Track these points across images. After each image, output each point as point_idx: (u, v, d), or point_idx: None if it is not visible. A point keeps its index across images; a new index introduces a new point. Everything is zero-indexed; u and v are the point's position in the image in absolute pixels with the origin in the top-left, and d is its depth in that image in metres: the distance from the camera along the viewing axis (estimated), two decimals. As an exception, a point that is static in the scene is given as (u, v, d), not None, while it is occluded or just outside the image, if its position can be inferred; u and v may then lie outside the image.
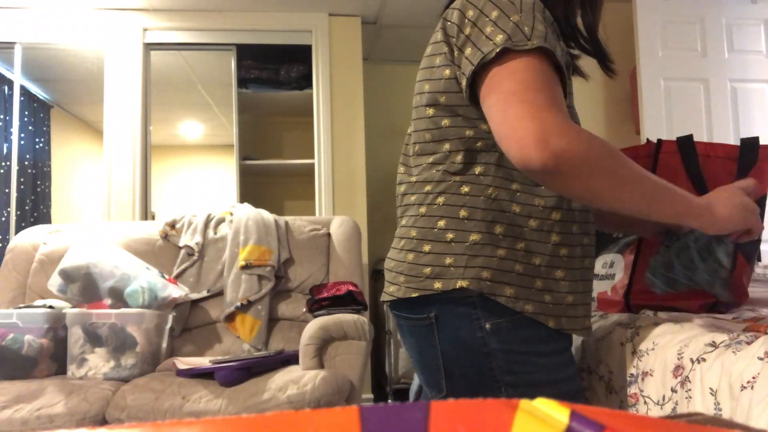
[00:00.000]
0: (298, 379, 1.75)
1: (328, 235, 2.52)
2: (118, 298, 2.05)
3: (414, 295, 0.88)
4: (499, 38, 0.78)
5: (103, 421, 1.70)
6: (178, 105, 3.62)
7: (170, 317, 2.11)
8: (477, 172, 0.88)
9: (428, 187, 0.90)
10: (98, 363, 1.89)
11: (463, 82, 0.83)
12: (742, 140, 1.10)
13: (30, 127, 3.15)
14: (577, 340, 1.15)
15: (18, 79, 3.08)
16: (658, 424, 0.23)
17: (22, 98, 3.09)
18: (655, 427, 0.23)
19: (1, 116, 3.07)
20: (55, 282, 2.11)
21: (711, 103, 3.06)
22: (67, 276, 2.09)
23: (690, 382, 0.83)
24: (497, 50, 0.77)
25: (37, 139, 3.20)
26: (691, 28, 3.08)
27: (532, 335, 0.86)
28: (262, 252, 2.35)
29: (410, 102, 3.93)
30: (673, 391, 0.87)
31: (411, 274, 0.89)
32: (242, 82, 3.28)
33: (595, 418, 0.22)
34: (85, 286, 2.08)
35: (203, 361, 1.99)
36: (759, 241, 1.15)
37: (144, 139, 3.08)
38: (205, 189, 3.68)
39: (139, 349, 1.92)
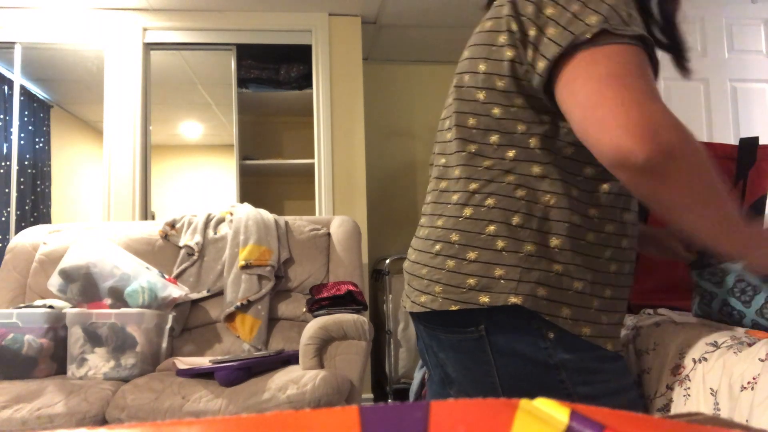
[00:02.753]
0: (298, 379, 1.75)
1: (328, 234, 2.52)
2: (118, 298, 2.05)
3: (454, 308, 0.77)
4: (594, 19, 0.69)
5: (103, 421, 1.70)
6: (178, 105, 3.62)
7: (170, 317, 2.11)
8: (534, 174, 0.77)
9: (474, 185, 0.80)
10: (98, 363, 1.89)
11: (541, 66, 0.72)
12: (741, 140, 1.10)
13: (30, 127, 3.15)
14: None
15: (18, 79, 3.08)
16: (658, 423, 0.23)
17: (22, 98, 3.09)
18: (655, 427, 0.23)
19: (1, 116, 3.07)
20: (55, 282, 2.11)
21: (711, 102, 3.06)
22: (67, 276, 2.09)
23: (690, 380, 0.83)
24: (594, 31, 0.68)
25: (37, 139, 3.20)
26: (691, 28, 3.08)
27: (588, 349, 0.78)
28: (262, 252, 2.35)
29: (411, 101, 3.93)
30: (669, 388, 0.87)
31: (451, 283, 0.78)
32: (242, 82, 3.28)
33: (595, 418, 0.22)
34: (85, 286, 2.08)
35: (203, 361, 1.99)
36: None
37: (144, 139, 3.08)
38: (205, 189, 3.68)
39: (139, 349, 1.92)
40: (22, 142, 3.08)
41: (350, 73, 3.22)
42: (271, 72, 3.31)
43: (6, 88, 3.10)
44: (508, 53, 0.76)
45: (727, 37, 3.11)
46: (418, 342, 0.97)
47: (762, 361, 0.73)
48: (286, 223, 2.51)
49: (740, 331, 0.86)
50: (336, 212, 3.12)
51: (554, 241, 0.76)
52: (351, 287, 2.17)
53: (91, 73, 3.15)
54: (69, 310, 1.95)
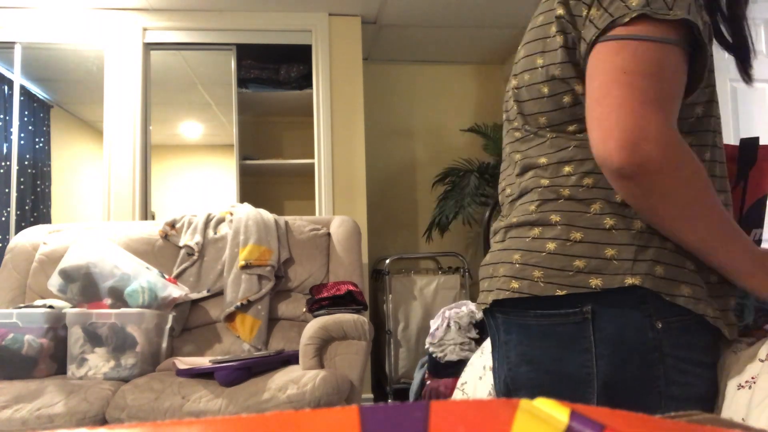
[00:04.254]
0: (298, 379, 1.75)
1: (328, 234, 2.52)
2: (118, 297, 2.05)
3: (561, 292, 0.71)
4: (635, 2, 0.66)
5: (103, 421, 1.70)
6: (178, 105, 3.62)
7: (170, 317, 2.11)
8: None
9: (568, 168, 0.75)
10: (98, 363, 1.89)
11: (582, 48, 0.71)
12: (742, 140, 1.10)
13: (30, 127, 3.15)
14: None
15: (18, 79, 3.08)
16: (658, 423, 0.23)
17: (22, 98, 3.09)
18: (655, 427, 0.23)
19: (1, 116, 3.07)
20: (55, 282, 2.11)
21: None
22: (67, 276, 2.09)
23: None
24: (633, 15, 0.66)
25: (37, 139, 3.20)
26: (691, 28, 3.08)
27: (699, 342, 0.73)
28: (262, 252, 2.35)
29: (411, 101, 3.93)
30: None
31: (555, 266, 0.72)
32: (242, 82, 3.28)
33: (595, 418, 0.22)
34: (85, 285, 2.08)
35: (203, 361, 1.99)
36: (759, 241, 1.15)
37: (144, 139, 3.08)
38: (205, 189, 3.68)
39: (139, 348, 1.92)
40: (22, 142, 3.08)
41: (350, 73, 3.22)
42: (271, 72, 3.31)
43: (6, 88, 3.10)
44: (558, 39, 0.75)
45: (727, 37, 3.11)
46: (493, 358, 0.91)
47: (762, 361, 0.73)
48: (286, 223, 2.51)
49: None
50: (336, 212, 3.12)
51: None
52: (351, 287, 2.17)
53: (91, 73, 3.15)
54: (69, 310, 1.95)
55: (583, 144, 0.75)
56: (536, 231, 0.76)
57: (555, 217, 0.75)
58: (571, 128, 0.77)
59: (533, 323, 0.76)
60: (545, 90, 0.77)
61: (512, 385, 0.81)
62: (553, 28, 0.76)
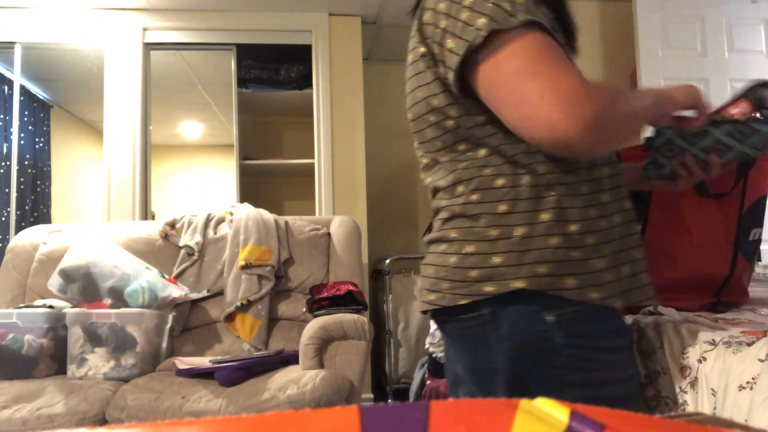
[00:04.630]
0: (298, 379, 1.75)
1: (328, 234, 2.52)
2: (118, 297, 2.05)
3: (463, 302, 0.80)
4: (481, 21, 0.72)
5: (103, 421, 1.70)
6: (178, 105, 3.62)
7: (170, 317, 2.11)
8: (504, 161, 0.80)
9: (460, 188, 0.83)
10: (98, 363, 1.89)
11: (450, 77, 0.77)
12: None
13: (30, 127, 3.15)
14: None
15: (18, 79, 3.08)
16: (658, 423, 0.23)
17: (22, 98, 3.09)
18: (655, 427, 0.23)
19: (1, 116, 3.07)
20: (55, 282, 2.11)
21: (711, 102, 3.06)
22: (67, 276, 2.09)
23: (698, 381, 0.83)
24: (483, 34, 0.71)
25: (37, 139, 3.20)
26: (691, 27, 3.08)
27: (596, 329, 0.78)
28: (262, 252, 2.35)
29: (410, 102, 3.93)
30: (683, 391, 0.87)
31: (456, 279, 0.81)
32: (242, 82, 3.28)
33: (595, 418, 0.22)
34: (85, 285, 2.08)
35: (203, 361, 1.99)
36: (759, 241, 1.15)
37: (144, 139, 3.08)
38: (205, 189, 3.68)
39: (139, 349, 1.92)
40: (22, 142, 3.08)
41: (350, 73, 3.22)
42: (271, 72, 3.31)
43: (6, 88, 3.10)
44: (429, 74, 0.82)
45: (727, 37, 3.11)
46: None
47: (762, 361, 0.73)
48: (286, 223, 2.51)
49: (735, 332, 0.86)
50: (336, 212, 3.12)
51: (544, 216, 0.78)
52: (351, 287, 2.17)
53: (91, 73, 3.15)
54: (69, 310, 1.95)
55: (472, 163, 0.82)
56: (443, 247, 0.85)
57: (453, 234, 0.83)
58: (461, 147, 0.83)
59: (452, 328, 0.86)
60: (432, 119, 0.84)
61: (454, 383, 0.91)
62: (422, 64, 0.83)
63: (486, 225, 0.80)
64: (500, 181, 0.80)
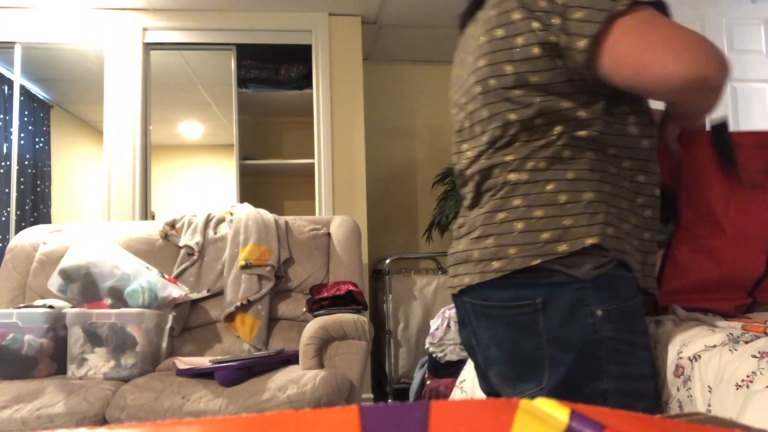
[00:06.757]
0: (298, 379, 1.75)
1: (328, 234, 2.52)
2: (118, 297, 2.05)
3: (535, 262, 0.84)
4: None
5: (103, 421, 1.70)
6: (178, 105, 3.62)
7: (170, 317, 2.11)
8: (577, 139, 0.87)
9: (531, 163, 0.88)
10: (98, 363, 1.89)
11: (581, 44, 0.81)
12: (712, 125, 1.07)
13: (30, 127, 3.15)
14: None
15: (18, 79, 3.08)
16: (658, 423, 0.23)
17: (22, 98, 3.09)
18: (655, 427, 0.23)
19: (1, 116, 3.07)
20: (55, 282, 2.11)
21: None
22: (67, 276, 2.09)
23: (690, 381, 0.83)
24: (628, 2, 0.79)
25: (37, 139, 3.20)
26: (691, 27, 3.08)
27: (636, 326, 0.86)
28: (262, 252, 2.35)
29: (411, 101, 3.93)
30: (678, 389, 0.87)
31: (526, 242, 0.85)
32: (242, 82, 3.28)
33: (595, 418, 0.22)
34: (85, 285, 2.08)
35: (203, 361, 1.99)
36: None
37: (144, 139, 3.08)
38: (205, 189, 3.68)
39: (139, 348, 1.92)
40: (22, 142, 3.08)
41: (350, 73, 3.22)
42: (271, 72, 3.31)
43: (6, 88, 3.10)
44: (534, 50, 0.85)
45: (727, 37, 3.11)
46: (461, 333, 1.05)
47: (757, 359, 0.73)
48: (286, 223, 2.51)
49: (737, 327, 0.86)
50: (336, 212, 3.12)
51: (606, 188, 0.87)
52: (351, 287, 2.17)
53: (91, 73, 3.15)
54: (69, 310, 1.94)
55: (547, 139, 0.87)
56: (502, 216, 0.89)
57: (517, 201, 0.88)
58: (538, 122, 0.88)
59: (496, 313, 0.89)
60: (515, 93, 0.88)
61: (484, 363, 0.96)
62: (521, 40, 0.86)
63: (555, 190, 0.86)
64: (567, 153, 0.87)
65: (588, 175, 0.86)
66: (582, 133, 0.86)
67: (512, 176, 0.89)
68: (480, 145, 0.95)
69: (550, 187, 0.86)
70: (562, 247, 0.83)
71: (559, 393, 0.85)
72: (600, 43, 0.81)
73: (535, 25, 0.84)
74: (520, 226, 0.86)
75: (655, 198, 0.93)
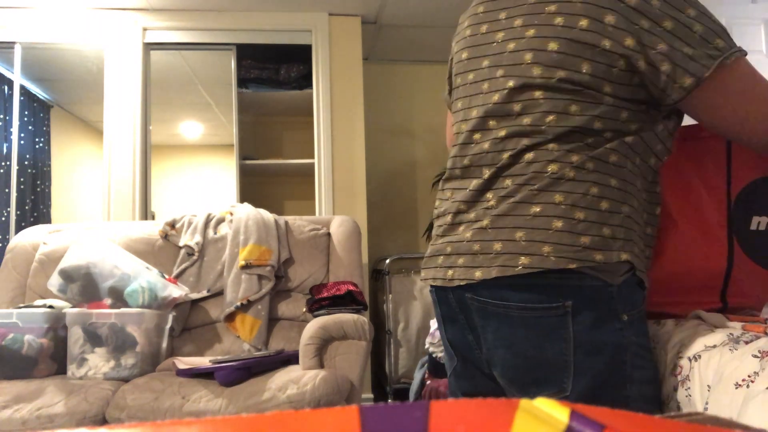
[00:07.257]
0: (298, 379, 1.75)
1: (328, 234, 2.52)
2: (118, 297, 2.05)
3: (572, 266, 0.80)
4: (722, 43, 0.82)
5: (103, 421, 1.70)
6: (178, 105, 3.62)
7: (170, 317, 2.11)
8: (624, 145, 0.86)
9: (575, 158, 0.84)
10: (98, 363, 1.89)
11: (688, 81, 0.81)
12: None
13: (30, 127, 3.15)
14: None
15: (18, 79, 3.08)
16: (658, 423, 0.23)
17: (22, 98, 3.09)
18: (655, 427, 0.23)
19: (1, 116, 3.07)
20: (55, 282, 2.11)
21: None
22: (67, 276, 2.09)
23: (690, 380, 0.83)
24: (731, 55, 0.83)
25: (37, 139, 3.20)
26: (691, 28, 3.07)
27: (647, 330, 0.89)
28: (262, 252, 2.35)
29: (411, 101, 3.93)
30: (675, 389, 0.87)
31: (563, 242, 0.81)
32: (242, 82, 3.28)
33: (595, 418, 0.22)
34: (85, 285, 2.08)
35: (203, 361, 1.99)
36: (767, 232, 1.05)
37: (144, 139, 3.08)
38: (205, 189, 3.68)
39: (139, 348, 1.92)
40: (22, 142, 3.08)
41: (350, 73, 3.22)
42: (271, 72, 3.31)
43: (6, 88, 3.10)
44: (621, 63, 0.83)
45: (727, 37, 3.11)
46: (446, 329, 0.98)
47: (758, 359, 0.73)
48: (286, 223, 2.51)
49: (737, 327, 0.86)
50: (336, 212, 3.12)
51: (634, 202, 0.88)
52: (351, 287, 2.17)
53: (91, 73, 3.15)
54: (69, 310, 1.94)
55: (595, 140, 0.85)
56: (536, 209, 0.83)
57: (559, 197, 0.83)
58: (597, 124, 0.86)
59: (515, 314, 0.84)
60: (585, 92, 0.85)
61: (488, 364, 0.92)
62: (609, 44, 0.82)
63: (599, 195, 0.83)
64: (614, 158, 0.85)
65: (628, 187, 0.86)
66: (629, 139, 0.86)
67: (553, 168, 0.84)
68: (517, 125, 0.88)
69: (594, 190, 0.83)
70: (599, 256, 0.81)
71: (586, 400, 0.81)
72: (701, 83, 0.82)
73: (629, 42, 0.82)
74: (559, 224, 0.82)
75: (655, 216, 0.93)
